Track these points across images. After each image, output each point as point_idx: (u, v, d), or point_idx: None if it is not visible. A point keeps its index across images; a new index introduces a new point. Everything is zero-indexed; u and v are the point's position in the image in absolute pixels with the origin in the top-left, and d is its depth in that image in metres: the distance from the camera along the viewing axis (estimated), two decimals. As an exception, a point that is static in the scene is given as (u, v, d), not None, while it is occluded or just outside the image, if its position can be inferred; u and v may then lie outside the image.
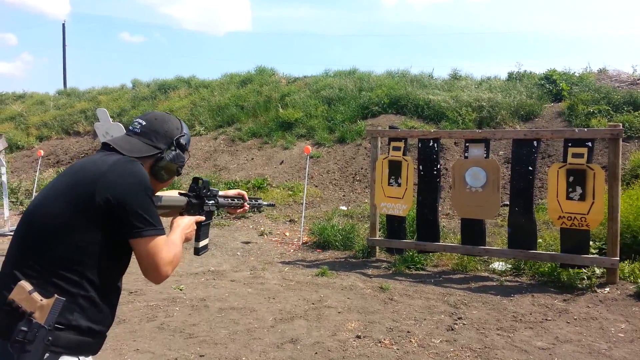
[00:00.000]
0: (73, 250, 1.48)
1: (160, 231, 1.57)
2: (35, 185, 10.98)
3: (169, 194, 1.91)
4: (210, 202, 2.01)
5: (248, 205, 2.24)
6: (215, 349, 3.76)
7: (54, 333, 1.39)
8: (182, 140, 1.77)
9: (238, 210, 2.22)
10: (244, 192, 2.23)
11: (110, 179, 1.51)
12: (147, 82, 18.82)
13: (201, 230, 1.97)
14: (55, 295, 1.40)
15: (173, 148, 1.73)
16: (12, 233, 7.31)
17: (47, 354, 1.38)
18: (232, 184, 10.44)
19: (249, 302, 4.82)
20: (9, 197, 9.04)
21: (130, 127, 1.74)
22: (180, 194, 1.94)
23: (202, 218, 1.94)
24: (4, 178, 8.54)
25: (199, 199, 1.96)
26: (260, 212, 2.51)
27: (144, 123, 1.72)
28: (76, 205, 1.49)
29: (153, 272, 1.58)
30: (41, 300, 1.39)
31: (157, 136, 1.71)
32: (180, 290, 5.20)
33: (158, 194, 1.83)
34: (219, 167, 12.08)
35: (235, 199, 2.18)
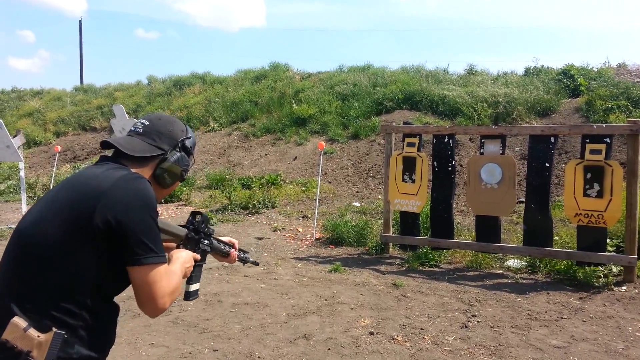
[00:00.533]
0: (71, 277, 1.36)
1: (162, 259, 1.45)
2: (52, 181, 11.15)
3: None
4: (206, 241, 1.88)
5: (236, 255, 2.08)
6: (228, 344, 3.79)
7: None
8: (187, 143, 1.68)
9: (226, 259, 2.05)
10: (236, 242, 2.08)
11: (113, 198, 1.38)
12: (162, 78, 19.02)
13: (194, 272, 1.80)
14: (54, 330, 1.30)
15: (177, 149, 1.64)
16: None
17: None
18: (245, 180, 10.49)
19: (262, 298, 4.84)
20: (26, 192, 9.18)
21: (133, 127, 1.65)
22: (180, 226, 1.82)
23: (198, 257, 1.78)
24: (22, 173, 8.68)
25: (197, 233, 1.84)
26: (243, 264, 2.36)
27: (146, 123, 1.63)
28: (73, 225, 1.37)
29: (149, 303, 1.44)
30: (38, 336, 1.29)
31: (160, 136, 1.61)
32: (195, 285, 5.23)
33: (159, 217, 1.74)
34: (232, 162, 12.13)
35: (227, 246, 2.04)
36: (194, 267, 1.77)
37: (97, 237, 1.36)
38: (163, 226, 1.71)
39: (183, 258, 1.65)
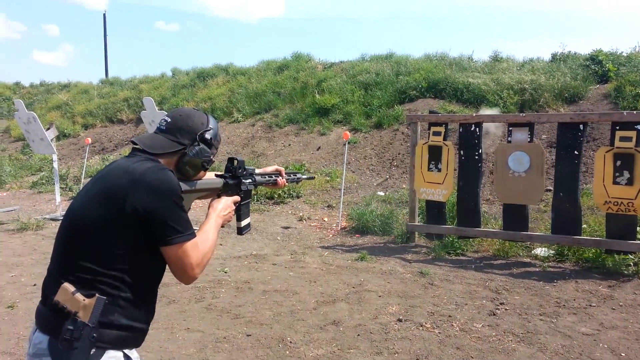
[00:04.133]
0: (110, 256, 1.54)
1: (189, 236, 1.61)
2: (83, 172, 11.44)
3: (205, 177, 1.92)
4: (247, 180, 2.03)
5: (284, 180, 2.25)
6: (261, 329, 3.90)
7: (98, 330, 1.48)
8: (207, 135, 1.77)
9: (276, 186, 2.23)
10: (282, 169, 2.25)
11: (140, 190, 1.55)
12: (186, 70, 19.16)
13: (241, 210, 2.00)
14: (97, 295, 1.48)
15: (197, 143, 1.74)
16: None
17: (93, 350, 1.47)
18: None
19: (291, 285, 4.94)
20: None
21: (158, 125, 1.79)
22: (217, 175, 1.96)
23: (238, 198, 1.96)
24: (56, 165, 8.93)
25: (236, 179, 1.98)
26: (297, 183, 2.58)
27: (169, 120, 1.76)
28: (109, 213, 1.55)
29: (182, 275, 1.64)
30: (84, 300, 1.47)
31: (181, 132, 1.73)
32: (225, 272, 5.37)
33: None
34: (256, 153, 12.25)
35: (273, 176, 2.20)
36: (240, 205, 1.99)
37: (130, 223, 1.55)
38: (199, 185, 1.85)
39: (218, 210, 1.85)
